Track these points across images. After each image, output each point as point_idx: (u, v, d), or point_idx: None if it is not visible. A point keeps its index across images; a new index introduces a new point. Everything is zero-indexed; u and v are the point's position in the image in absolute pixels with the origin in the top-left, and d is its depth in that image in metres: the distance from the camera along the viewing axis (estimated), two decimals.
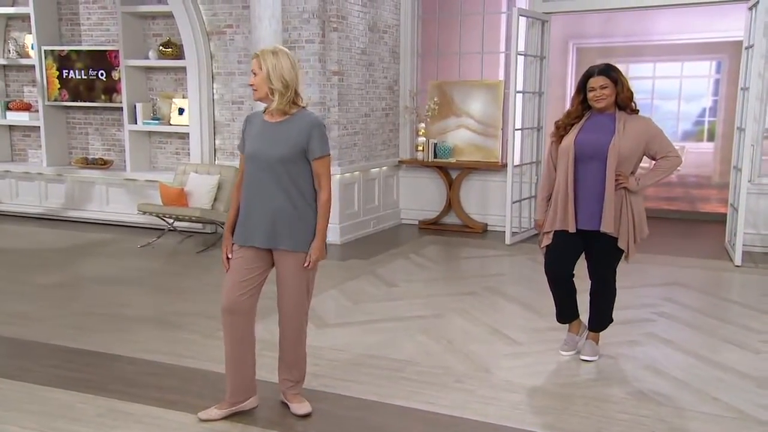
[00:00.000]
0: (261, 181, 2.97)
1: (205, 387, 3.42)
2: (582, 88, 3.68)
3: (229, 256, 3.07)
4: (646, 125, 3.65)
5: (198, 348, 4.01)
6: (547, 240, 3.81)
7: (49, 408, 3.22)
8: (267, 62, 2.89)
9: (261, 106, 3.11)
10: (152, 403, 3.27)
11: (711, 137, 10.64)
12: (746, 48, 6.24)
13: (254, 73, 2.93)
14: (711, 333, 4.37)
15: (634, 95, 3.70)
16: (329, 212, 3.04)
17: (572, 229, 3.67)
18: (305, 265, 3.00)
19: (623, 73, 3.71)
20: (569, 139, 3.67)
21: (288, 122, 2.97)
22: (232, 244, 3.08)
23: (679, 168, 3.87)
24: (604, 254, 3.72)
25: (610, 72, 3.61)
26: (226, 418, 3.10)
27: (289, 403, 3.20)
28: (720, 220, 7.53)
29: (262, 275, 3.07)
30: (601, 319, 3.90)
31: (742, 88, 6.36)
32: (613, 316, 3.93)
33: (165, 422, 3.10)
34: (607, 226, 3.60)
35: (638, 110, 3.70)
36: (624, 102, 3.63)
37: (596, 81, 3.61)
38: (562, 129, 3.74)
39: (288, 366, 3.19)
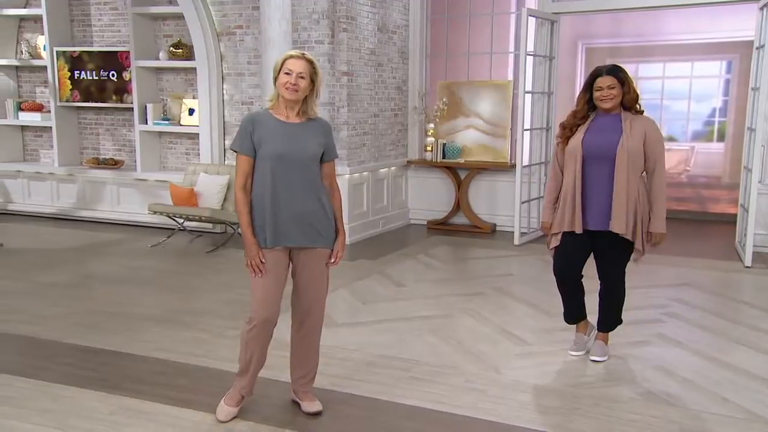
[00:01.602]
0: (290, 180, 2.98)
1: (216, 386, 3.44)
2: (589, 87, 3.69)
3: (263, 260, 3.00)
4: (648, 124, 3.65)
5: (209, 347, 4.04)
6: (555, 241, 3.81)
7: (64, 406, 3.26)
8: (317, 70, 3.00)
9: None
10: (164, 401, 3.31)
11: (721, 137, 10.60)
12: (757, 48, 6.22)
13: (301, 77, 2.93)
14: (721, 334, 4.36)
15: (642, 96, 3.70)
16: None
17: (578, 230, 3.68)
18: (333, 261, 3.12)
19: (630, 74, 3.72)
20: (576, 140, 3.68)
21: (308, 124, 3.05)
22: (261, 247, 3.00)
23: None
24: (613, 255, 3.73)
25: (617, 72, 3.62)
26: (237, 415, 3.14)
27: (300, 402, 3.23)
28: (730, 220, 7.50)
29: (287, 276, 3.11)
30: (609, 320, 3.91)
31: (752, 89, 6.33)
32: (623, 316, 3.94)
33: (177, 420, 3.13)
34: (618, 227, 3.60)
35: (643, 111, 3.70)
36: (630, 103, 3.64)
37: (604, 81, 3.61)
38: (568, 129, 3.75)
39: (304, 363, 3.22)
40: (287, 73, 2.94)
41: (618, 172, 3.57)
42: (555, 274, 3.86)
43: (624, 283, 3.83)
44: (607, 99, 3.61)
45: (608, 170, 3.60)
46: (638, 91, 3.69)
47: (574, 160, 3.66)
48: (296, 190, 2.99)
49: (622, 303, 3.89)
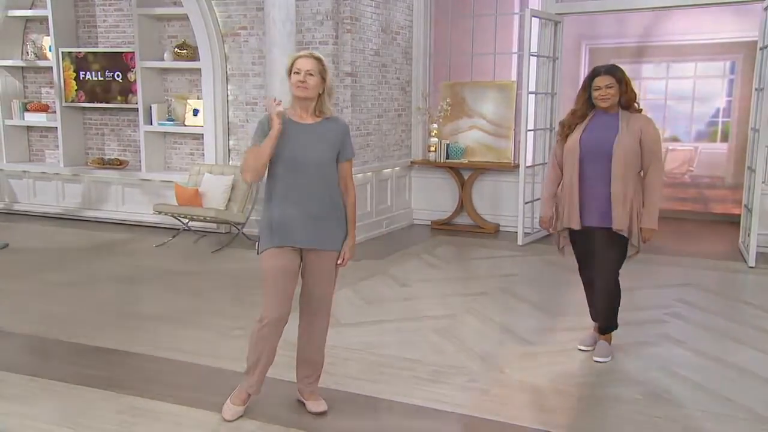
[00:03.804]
0: (302, 182, 3.01)
1: (222, 385, 3.46)
2: (587, 86, 3.74)
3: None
4: (645, 122, 3.70)
5: (214, 346, 4.07)
6: (563, 241, 3.90)
7: (71, 404, 3.29)
8: (326, 67, 3.02)
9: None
10: (171, 400, 3.33)
11: (725, 138, 10.58)
12: (761, 48, 6.22)
13: (310, 74, 2.97)
14: (724, 334, 4.37)
15: (645, 96, 3.74)
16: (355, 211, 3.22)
17: (576, 227, 3.74)
18: (340, 262, 3.14)
19: (631, 75, 3.77)
20: (574, 138, 3.74)
21: (322, 124, 3.07)
22: (268, 247, 3.04)
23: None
24: (606, 253, 3.76)
25: (615, 72, 3.68)
26: (242, 414, 3.16)
27: (305, 401, 3.26)
28: (734, 221, 7.51)
29: (298, 276, 3.14)
30: (603, 320, 3.92)
31: (756, 89, 6.33)
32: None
33: (184, 419, 3.15)
34: (615, 224, 3.64)
35: (641, 110, 3.76)
36: (627, 102, 3.70)
37: (602, 80, 3.66)
38: (567, 128, 3.81)
39: (310, 363, 3.24)
40: (296, 73, 2.98)
41: (614, 170, 3.63)
42: (581, 277, 3.96)
43: (617, 283, 3.83)
44: (605, 98, 3.67)
45: (605, 168, 3.66)
46: (636, 91, 3.76)
47: (572, 157, 3.72)
48: (307, 192, 3.02)
49: (616, 305, 3.87)
